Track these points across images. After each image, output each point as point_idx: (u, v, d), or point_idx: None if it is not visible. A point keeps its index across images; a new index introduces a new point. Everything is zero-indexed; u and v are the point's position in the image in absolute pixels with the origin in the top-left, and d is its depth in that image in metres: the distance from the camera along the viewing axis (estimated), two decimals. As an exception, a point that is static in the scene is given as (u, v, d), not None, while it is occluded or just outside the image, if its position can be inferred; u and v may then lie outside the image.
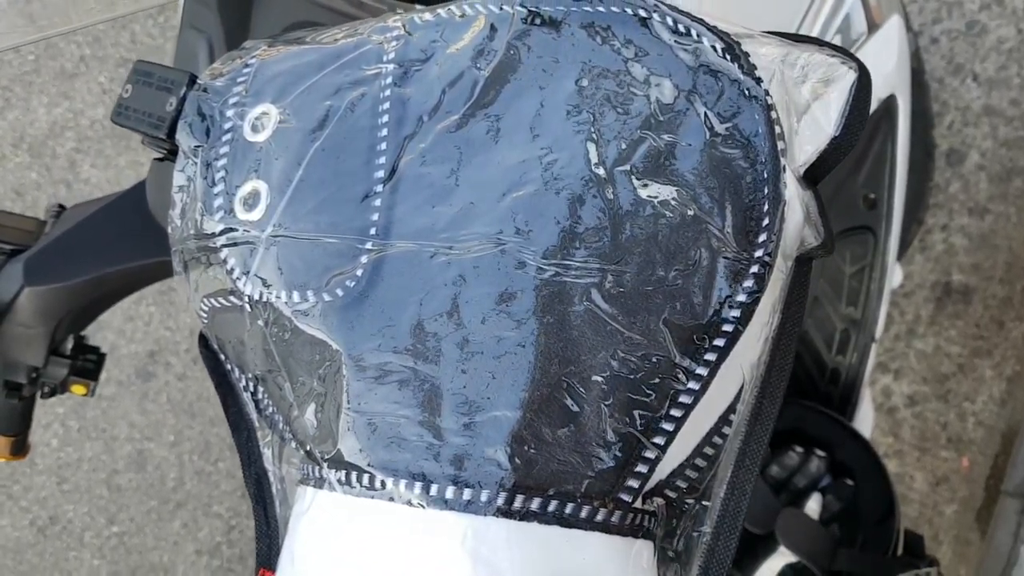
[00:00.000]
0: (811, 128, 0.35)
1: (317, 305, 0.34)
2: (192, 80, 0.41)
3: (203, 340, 0.41)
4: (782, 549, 0.83)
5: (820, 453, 0.90)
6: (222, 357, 0.40)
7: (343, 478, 0.32)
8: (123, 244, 0.64)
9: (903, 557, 0.86)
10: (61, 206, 0.68)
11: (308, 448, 0.34)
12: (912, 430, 1.41)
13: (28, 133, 1.83)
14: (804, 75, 0.35)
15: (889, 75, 0.78)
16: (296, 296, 0.34)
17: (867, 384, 0.98)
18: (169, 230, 0.39)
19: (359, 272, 0.34)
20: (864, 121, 0.35)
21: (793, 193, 0.33)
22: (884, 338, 1.42)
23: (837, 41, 0.74)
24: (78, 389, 0.72)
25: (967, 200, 1.41)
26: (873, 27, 0.77)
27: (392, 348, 0.32)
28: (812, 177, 0.35)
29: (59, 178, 1.84)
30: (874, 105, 0.77)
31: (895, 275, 1.05)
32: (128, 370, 1.80)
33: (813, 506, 0.89)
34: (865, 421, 1.00)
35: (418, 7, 0.38)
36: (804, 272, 0.35)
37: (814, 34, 0.74)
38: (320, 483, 0.33)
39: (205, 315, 0.39)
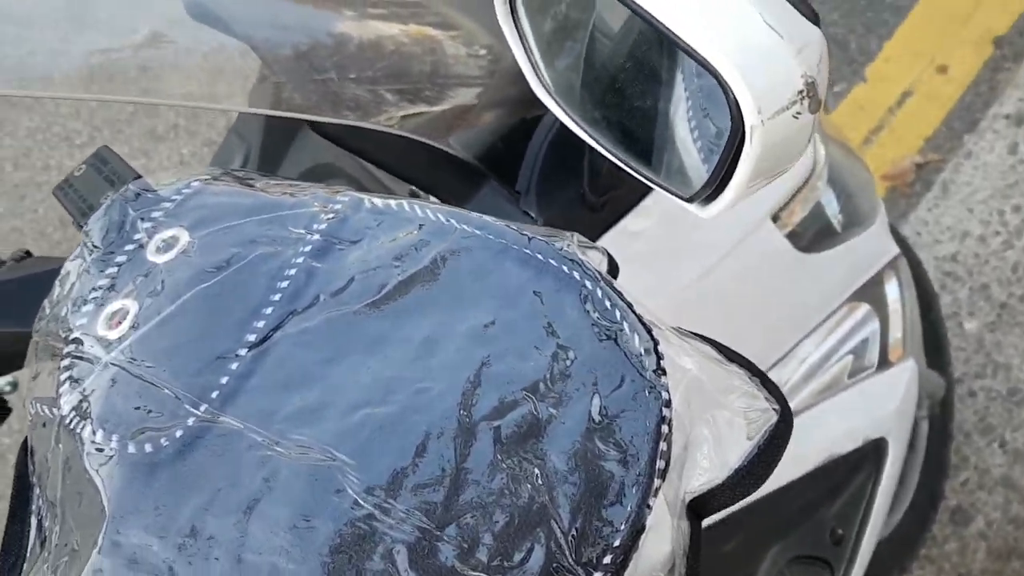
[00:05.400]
0: (713, 457, 0.31)
1: (115, 453, 0.30)
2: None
3: (25, 444, 0.37)
4: None
5: None
6: (31, 467, 0.36)
7: None
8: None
9: None
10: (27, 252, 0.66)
11: None
12: None
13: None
14: (722, 401, 0.31)
15: (886, 418, 0.75)
16: (100, 435, 0.31)
17: None
18: (37, 316, 0.37)
19: (178, 434, 0.30)
20: (771, 468, 0.31)
21: (662, 521, 0.29)
22: None
23: (847, 363, 0.72)
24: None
25: (960, 564, 1.32)
26: (885, 363, 0.75)
27: (159, 534, 0.28)
28: (698, 511, 0.31)
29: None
30: (861, 442, 0.73)
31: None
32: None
33: None
34: None
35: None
36: None
37: (825, 348, 0.71)
38: None
39: (31, 419, 0.36)
